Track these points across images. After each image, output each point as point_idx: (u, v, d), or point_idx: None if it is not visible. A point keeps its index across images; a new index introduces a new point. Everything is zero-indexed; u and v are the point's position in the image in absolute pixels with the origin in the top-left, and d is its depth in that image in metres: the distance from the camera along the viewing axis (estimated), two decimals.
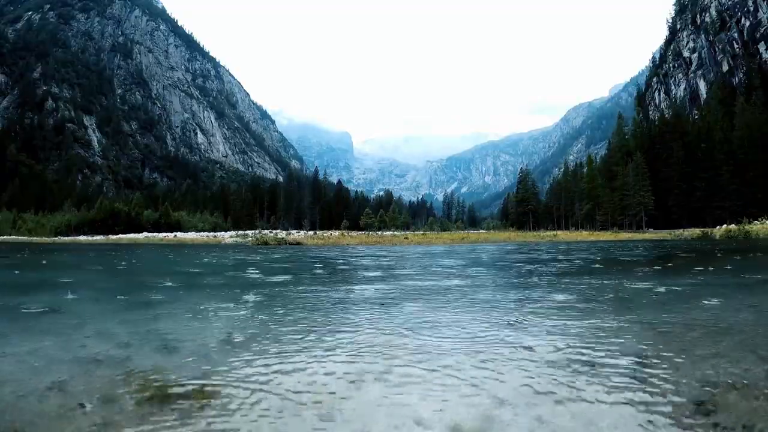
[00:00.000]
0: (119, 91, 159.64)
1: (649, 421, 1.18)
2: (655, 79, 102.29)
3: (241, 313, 3.08)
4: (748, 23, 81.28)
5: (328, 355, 1.88)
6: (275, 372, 1.64)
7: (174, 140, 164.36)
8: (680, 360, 1.73)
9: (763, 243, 15.26)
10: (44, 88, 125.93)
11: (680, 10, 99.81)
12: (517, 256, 10.78)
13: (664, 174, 50.80)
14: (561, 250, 13.08)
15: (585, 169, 63.91)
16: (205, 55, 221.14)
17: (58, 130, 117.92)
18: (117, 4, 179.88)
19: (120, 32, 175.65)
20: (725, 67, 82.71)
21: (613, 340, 2.10)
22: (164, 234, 39.94)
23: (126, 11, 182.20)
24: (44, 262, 10.48)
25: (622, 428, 1.15)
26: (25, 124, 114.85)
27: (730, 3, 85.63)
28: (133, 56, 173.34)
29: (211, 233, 41.51)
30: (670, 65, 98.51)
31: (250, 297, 3.97)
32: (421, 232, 46.63)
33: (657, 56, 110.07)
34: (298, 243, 21.68)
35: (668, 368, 1.62)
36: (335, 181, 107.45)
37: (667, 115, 67.81)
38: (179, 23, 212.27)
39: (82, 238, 40.36)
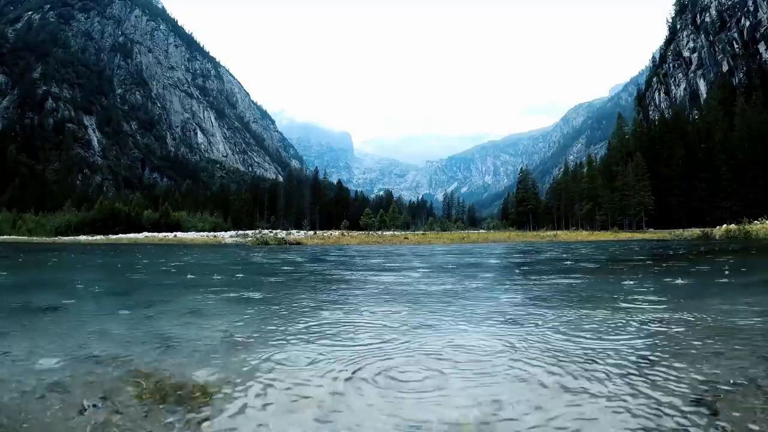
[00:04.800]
0: (119, 91, 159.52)
1: (650, 421, 1.18)
2: (655, 79, 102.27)
3: (241, 312, 3.08)
4: (748, 23, 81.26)
5: (327, 355, 1.89)
6: (275, 371, 1.64)
7: (174, 140, 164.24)
8: (680, 359, 1.73)
9: (763, 243, 15.25)
10: (44, 88, 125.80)
11: (680, 10, 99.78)
12: (518, 257, 10.77)
13: (664, 174, 50.74)
14: (561, 250, 13.08)
15: (585, 169, 63.83)
16: (205, 55, 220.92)
17: (58, 130, 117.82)
18: (117, 4, 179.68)
19: (120, 32, 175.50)
20: (725, 67, 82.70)
21: (612, 339, 2.10)
22: (164, 234, 39.90)
23: (126, 11, 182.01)
24: (44, 262, 10.48)
25: (622, 428, 1.15)
26: (25, 124, 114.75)
27: (730, 3, 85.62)
28: (133, 56, 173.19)
29: (211, 233, 41.48)
30: (670, 65, 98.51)
31: (250, 297, 3.97)
32: (421, 232, 46.60)
33: (657, 56, 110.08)
34: (298, 243, 21.68)
35: (668, 368, 1.62)
36: (335, 181, 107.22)
37: (667, 115, 67.76)
38: (179, 23, 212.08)
39: (82, 238, 40.34)
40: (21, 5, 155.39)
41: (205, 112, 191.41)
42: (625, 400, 1.32)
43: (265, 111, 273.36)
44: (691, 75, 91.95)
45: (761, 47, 76.27)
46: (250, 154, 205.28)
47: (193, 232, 44.69)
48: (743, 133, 48.16)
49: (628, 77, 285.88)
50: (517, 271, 6.86)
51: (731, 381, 1.46)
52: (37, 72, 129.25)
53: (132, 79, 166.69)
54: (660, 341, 2.06)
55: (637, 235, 29.94)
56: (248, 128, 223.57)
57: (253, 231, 40.36)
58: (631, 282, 4.71)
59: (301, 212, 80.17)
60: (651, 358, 1.77)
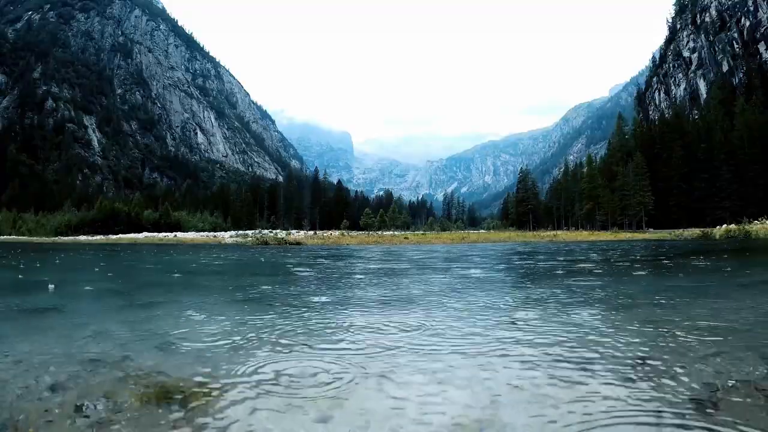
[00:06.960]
0: (119, 91, 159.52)
1: (649, 421, 1.18)
2: (655, 79, 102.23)
3: (241, 312, 3.07)
4: (748, 23, 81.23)
5: (327, 354, 1.89)
6: (275, 371, 1.64)
7: (174, 140, 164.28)
8: (680, 359, 1.73)
9: (763, 243, 15.25)
10: (44, 88, 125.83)
11: (680, 10, 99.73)
12: (517, 258, 10.77)
13: (664, 174, 50.76)
14: (561, 251, 13.07)
15: (585, 169, 63.83)
16: (205, 55, 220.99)
17: (58, 130, 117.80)
18: (117, 4, 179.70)
19: (120, 32, 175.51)
20: (725, 67, 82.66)
21: (612, 339, 2.10)
22: (164, 234, 39.92)
23: (126, 11, 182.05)
24: (44, 262, 10.47)
25: (622, 428, 1.15)
26: (25, 124, 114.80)
27: (730, 3, 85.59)
28: (133, 56, 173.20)
29: (211, 233, 41.50)
30: (670, 65, 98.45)
31: (250, 297, 3.97)
32: (421, 232, 46.64)
33: (657, 56, 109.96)
34: (297, 243, 21.67)
35: (668, 368, 1.62)
36: (335, 181, 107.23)
37: (667, 115, 67.83)
38: (179, 23, 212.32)
39: (83, 238, 40.36)
40: (21, 5, 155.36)
41: (205, 112, 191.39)
42: (624, 400, 1.32)
43: (265, 111, 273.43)
44: (691, 75, 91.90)
45: (761, 47, 76.25)
46: (250, 154, 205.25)
47: (193, 232, 44.71)
48: (743, 133, 48.19)
49: (628, 77, 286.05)
50: (517, 271, 6.86)
51: (731, 381, 1.45)
52: (37, 72, 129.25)
53: (132, 79, 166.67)
54: (659, 341, 2.06)
55: (637, 235, 29.92)
56: (248, 128, 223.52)
57: (253, 231, 40.38)
58: (630, 281, 4.71)
59: (301, 212, 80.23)
60: (650, 357, 1.77)
